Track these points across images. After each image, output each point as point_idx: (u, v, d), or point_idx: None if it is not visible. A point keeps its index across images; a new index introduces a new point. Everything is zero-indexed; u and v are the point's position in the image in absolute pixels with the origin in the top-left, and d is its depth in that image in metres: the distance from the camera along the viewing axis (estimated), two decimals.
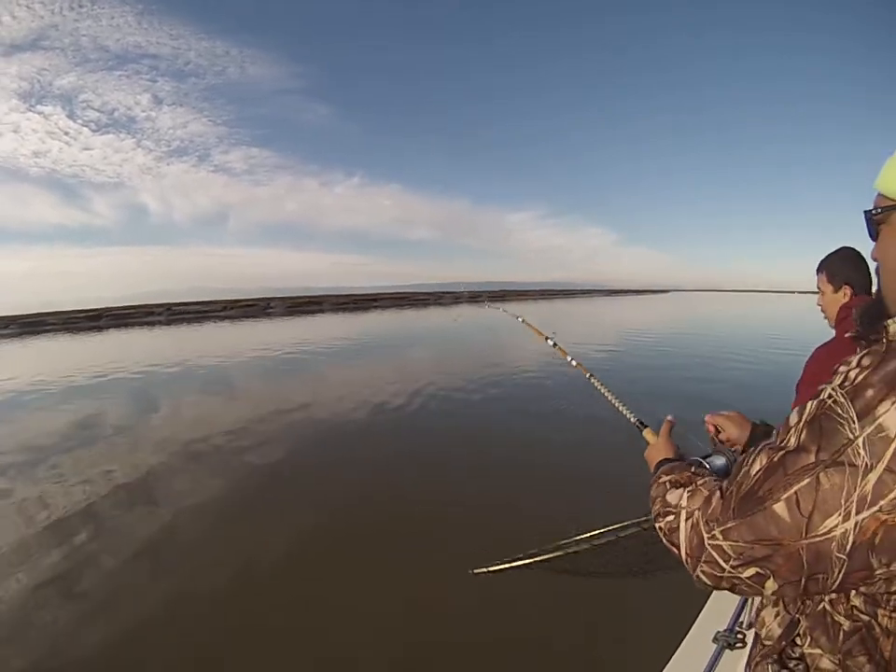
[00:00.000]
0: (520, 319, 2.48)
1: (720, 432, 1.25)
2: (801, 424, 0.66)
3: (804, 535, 0.61)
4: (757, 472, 0.68)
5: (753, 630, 1.00)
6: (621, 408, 1.41)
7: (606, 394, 1.48)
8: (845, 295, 1.83)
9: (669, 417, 1.19)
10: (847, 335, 0.88)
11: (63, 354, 23.75)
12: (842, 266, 1.85)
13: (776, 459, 0.66)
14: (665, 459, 1.03)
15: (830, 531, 0.60)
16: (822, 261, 1.90)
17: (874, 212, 0.73)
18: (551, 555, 2.37)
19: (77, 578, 4.10)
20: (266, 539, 4.53)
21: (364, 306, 63.23)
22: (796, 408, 0.69)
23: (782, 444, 0.67)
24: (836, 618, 0.74)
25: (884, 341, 0.66)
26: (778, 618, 0.86)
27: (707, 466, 1.02)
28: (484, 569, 2.39)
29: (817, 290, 1.95)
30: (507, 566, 2.40)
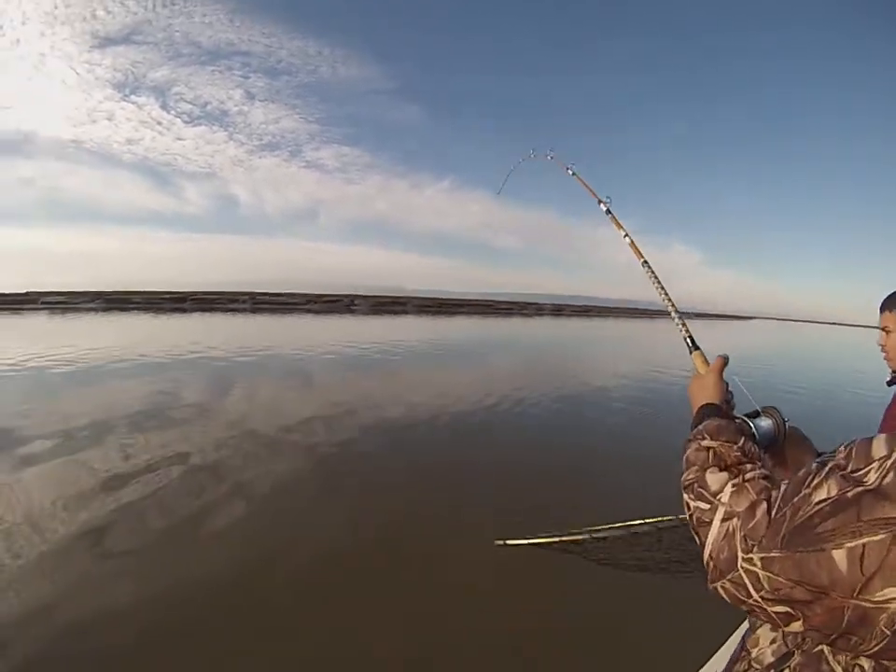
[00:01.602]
0: (570, 172, 2.13)
1: None
2: (890, 462, 0.54)
3: (856, 595, 0.53)
4: (822, 502, 0.57)
5: (742, 640, 0.92)
6: (675, 315, 1.35)
7: (660, 291, 1.44)
8: None
9: (723, 354, 1.07)
10: None
11: (150, 331, 23.60)
12: None
13: (850, 495, 0.55)
14: (711, 405, 0.95)
15: (887, 601, 0.52)
16: (891, 299, 1.79)
17: None
18: (579, 537, 2.43)
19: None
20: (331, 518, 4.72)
21: (448, 311, 61.52)
22: (883, 437, 0.57)
23: (860, 477, 0.56)
24: (832, 667, 0.69)
25: None
26: (774, 645, 0.80)
27: (752, 426, 0.94)
28: (503, 541, 2.41)
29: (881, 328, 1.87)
30: (531, 541, 2.46)
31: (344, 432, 7.46)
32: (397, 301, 65.88)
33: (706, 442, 0.80)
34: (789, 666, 0.75)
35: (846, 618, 0.54)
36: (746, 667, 0.84)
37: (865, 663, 0.62)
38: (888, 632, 0.52)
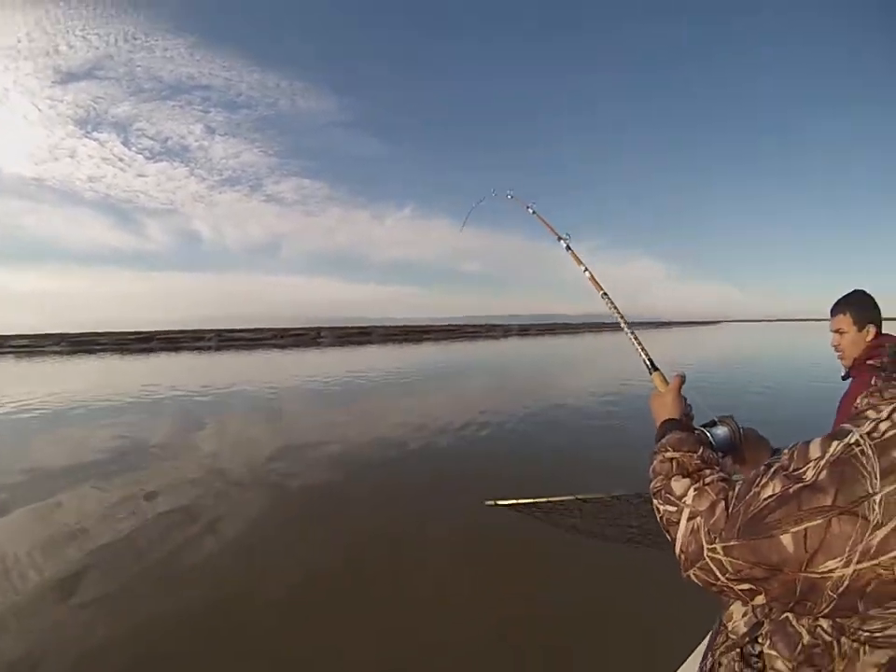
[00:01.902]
0: (531, 210, 2.15)
1: None
2: (823, 461, 0.67)
3: (803, 568, 0.65)
4: (769, 497, 0.69)
5: (718, 617, 1.04)
6: (634, 342, 1.40)
7: (623, 322, 1.48)
8: (869, 333, 2.01)
9: (681, 372, 1.17)
10: (869, 362, 1.03)
11: (114, 375, 23.68)
12: (866, 307, 2.03)
13: (791, 490, 0.67)
14: (672, 420, 1.04)
15: (829, 571, 0.64)
16: (842, 303, 2.03)
17: None
18: (565, 498, 2.44)
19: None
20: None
21: (414, 338, 62.51)
22: (818, 441, 0.70)
23: (799, 475, 0.68)
24: (798, 630, 0.81)
25: None
26: (745, 617, 0.92)
27: (709, 435, 1.03)
28: (494, 502, 2.53)
29: (834, 331, 2.10)
30: (515, 502, 2.50)
31: (321, 464, 7.62)
32: (362, 331, 66.97)
33: (669, 454, 0.91)
34: (761, 634, 0.88)
35: (798, 588, 0.67)
36: (724, 639, 0.96)
37: (823, 622, 0.77)
38: (834, 595, 0.65)
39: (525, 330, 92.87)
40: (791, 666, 0.82)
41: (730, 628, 0.96)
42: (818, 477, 0.66)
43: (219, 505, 5.91)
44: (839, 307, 2.05)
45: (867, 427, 0.67)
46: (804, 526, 0.65)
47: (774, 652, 0.85)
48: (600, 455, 7.71)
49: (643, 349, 1.37)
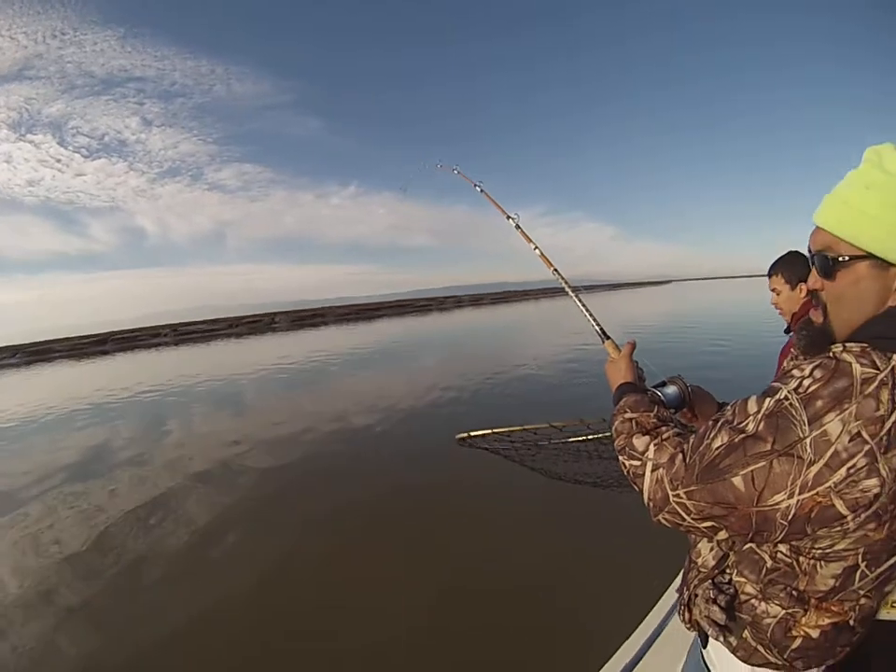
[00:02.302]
0: (478, 189, 2.16)
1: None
2: (760, 415, 0.82)
3: (755, 503, 0.80)
4: (719, 447, 0.84)
5: (687, 556, 1.17)
6: (584, 311, 1.51)
7: (571, 293, 1.58)
8: (801, 290, 2.07)
9: (632, 339, 1.29)
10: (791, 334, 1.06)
11: (68, 382, 23.75)
12: (797, 267, 2.08)
13: (736, 440, 0.83)
14: (627, 384, 1.17)
15: (777, 504, 0.79)
16: (775, 265, 2.12)
17: (840, 258, 0.84)
18: (536, 426, 2.41)
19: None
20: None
21: (368, 316, 63.44)
22: (754, 398, 0.86)
23: (742, 427, 0.84)
24: (761, 556, 0.95)
25: (833, 355, 0.82)
26: (713, 551, 1.05)
27: (661, 396, 1.16)
28: (465, 434, 2.44)
29: (771, 290, 2.17)
30: (484, 432, 2.46)
31: (295, 441, 8.10)
32: (316, 313, 67.42)
33: (627, 415, 1.04)
34: (728, 564, 1.02)
35: (753, 521, 0.81)
36: (696, 573, 1.09)
37: (781, 547, 0.90)
38: (785, 523, 0.79)
39: (477, 300, 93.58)
40: (759, 588, 0.95)
41: (700, 563, 1.08)
42: (757, 428, 0.81)
43: (187, 504, 6.00)
44: (773, 269, 2.09)
45: (793, 384, 0.81)
46: (750, 469, 0.80)
47: (742, 579, 0.98)
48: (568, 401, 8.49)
49: (595, 320, 1.49)
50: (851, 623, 0.91)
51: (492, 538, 4.31)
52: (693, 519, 0.87)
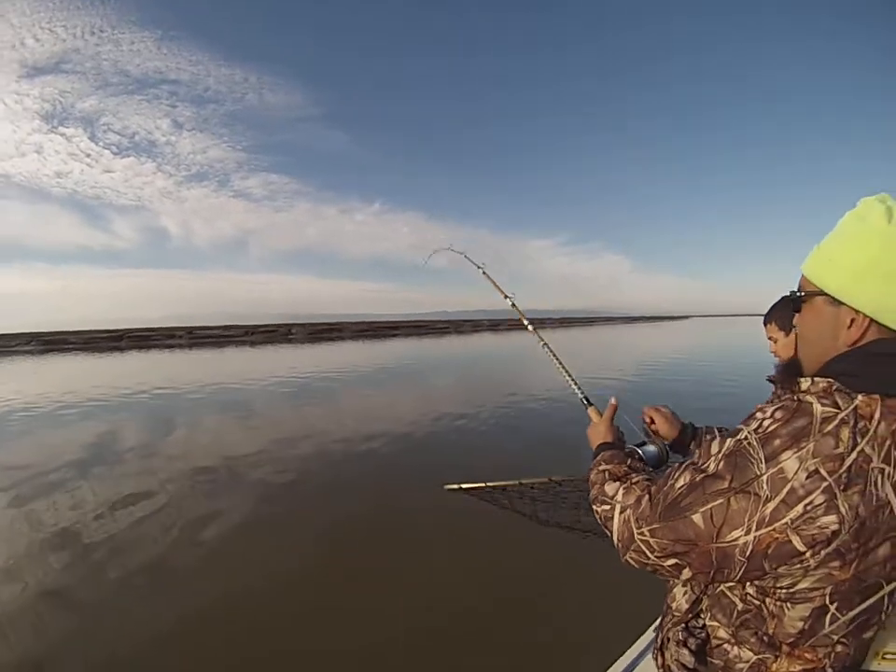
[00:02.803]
0: (481, 271, 2.33)
1: (653, 423, 1.45)
2: (720, 455, 0.85)
3: (714, 540, 0.82)
4: (681, 487, 0.88)
5: (665, 603, 1.17)
6: (570, 381, 1.63)
7: (558, 363, 1.73)
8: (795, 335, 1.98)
9: (613, 401, 1.34)
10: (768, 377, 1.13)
11: (85, 374, 23.58)
12: (787, 313, 2.03)
13: (697, 479, 0.86)
14: (606, 443, 1.23)
15: (735, 540, 0.81)
16: (769, 313, 2.09)
17: (799, 294, 0.94)
18: (533, 481, 2.39)
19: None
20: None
21: (384, 334, 63.22)
22: (718, 439, 0.88)
23: (703, 467, 0.87)
24: (732, 599, 0.95)
25: (796, 398, 0.84)
26: (686, 595, 1.07)
27: (641, 453, 1.25)
28: (456, 486, 2.47)
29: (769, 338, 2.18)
30: (477, 485, 2.47)
31: (285, 462, 7.69)
32: (333, 327, 67.39)
33: (601, 467, 1.11)
34: (702, 608, 1.03)
35: (714, 557, 0.83)
36: (671, 618, 1.11)
37: (750, 589, 0.91)
38: (743, 559, 0.81)
39: (496, 325, 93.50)
40: (731, 632, 0.95)
41: (674, 607, 1.10)
42: (717, 467, 0.84)
43: (196, 507, 5.92)
44: (767, 317, 2.11)
45: (754, 424, 0.84)
46: (709, 506, 0.82)
47: (715, 623, 0.99)
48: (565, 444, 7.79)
49: (580, 389, 1.61)
50: (828, 668, 0.88)
51: (480, 558, 4.40)
52: (656, 557, 0.90)
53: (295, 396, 14.90)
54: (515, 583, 3.98)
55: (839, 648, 0.86)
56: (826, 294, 0.88)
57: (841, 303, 0.87)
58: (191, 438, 9.72)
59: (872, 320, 0.84)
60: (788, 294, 0.98)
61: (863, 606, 0.83)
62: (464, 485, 2.46)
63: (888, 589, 0.83)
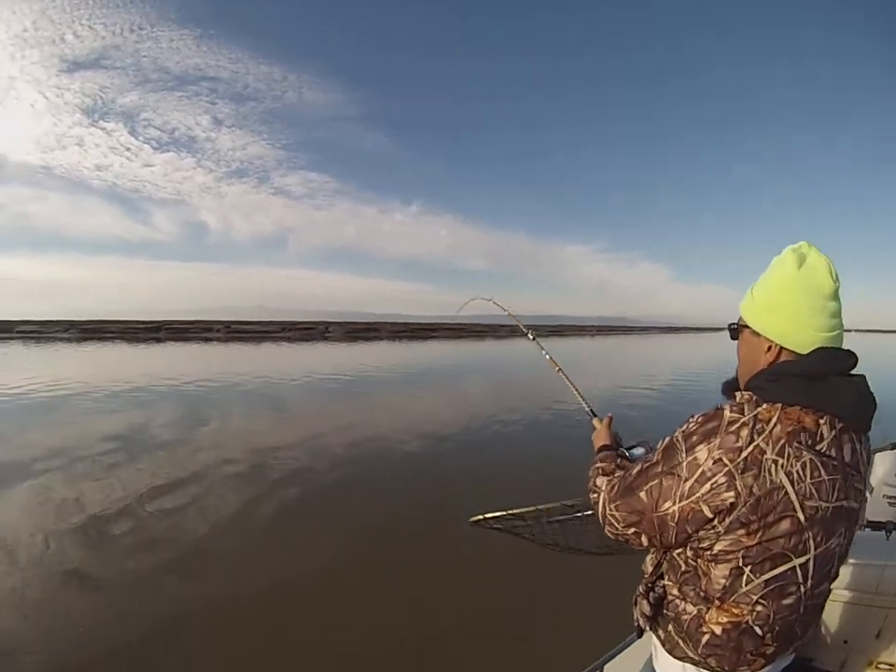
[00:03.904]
0: (506, 312, 2.63)
1: None
2: (660, 449, 1.08)
3: (654, 510, 1.05)
4: (635, 473, 1.12)
5: None
6: (579, 398, 1.88)
7: (570, 385, 1.98)
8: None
9: (609, 414, 1.62)
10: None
11: (135, 363, 23.59)
12: None
13: (645, 467, 1.10)
14: (604, 446, 1.46)
15: (667, 510, 1.03)
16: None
17: (734, 326, 1.18)
18: (549, 505, 2.40)
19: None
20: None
21: (422, 335, 62.55)
22: (667, 439, 1.08)
23: (650, 459, 1.10)
24: (679, 562, 1.12)
25: (718, 406, 1.04)
26: (651, 561, 1.24)
27: (628, 454, 1.43)
28: (480, 517, 2.37)
29: None
30: (502, 513, 2.41)
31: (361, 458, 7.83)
32: (370, 327, 67.30)
33: (597, 465, 1.33)
34: (662, 571, 1.21)
35: (656, 524, 1.05)
36: (641, 580, 1.29)
37: (689, 552, 1.08)
38: (674, 524, 1.02)
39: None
40: (678, 589, 1.13)
41: (644, 571, 1.28)
42: (657, 457, 1.08)
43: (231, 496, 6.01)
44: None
45: (683, 427, 1.05)
46: (650, 485, 1.06)
47: (669, 582, 1.17)
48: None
49: (587, 404, 1.83)
50: (752, 626, 1.03)
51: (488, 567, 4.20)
52: (622, 527, 1.13)
53: (338, 393, 14.89)
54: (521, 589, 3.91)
55: (759, 608, 1.02)
56: (749, 327, 1.12)
57: (759, 335, 1.09)
58: (225, 430, 9.80)
59: (782, 347, 1.05)
60: (728, 325, 1.21)
61: (774, 572, 1.00)
62: (487, 516, 2.46)
63: (797, 562, 1.00)
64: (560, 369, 2.05)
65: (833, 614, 2.33)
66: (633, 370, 24.75)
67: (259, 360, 26.80)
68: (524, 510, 2.48)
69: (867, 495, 2.73)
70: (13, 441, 8.47)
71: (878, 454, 3.02)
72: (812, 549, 0.99)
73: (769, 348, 1.07)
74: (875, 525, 2.39)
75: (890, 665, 2.18)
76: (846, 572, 2.26)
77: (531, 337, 2.39)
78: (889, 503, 2.92)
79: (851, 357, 1.05)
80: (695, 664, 1.12)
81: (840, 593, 2.29)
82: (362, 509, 5.73)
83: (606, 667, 1.92)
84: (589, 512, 2.39)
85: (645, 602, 1.21)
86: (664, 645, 1.19)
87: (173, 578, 4.15)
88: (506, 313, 2.63)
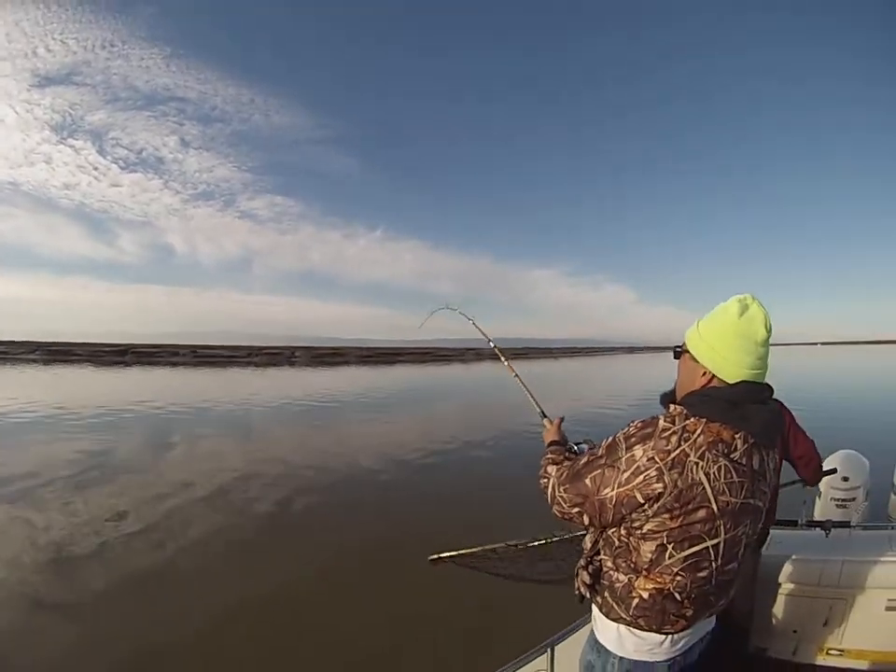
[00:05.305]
0: (472, 322, 2.85)
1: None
2: (604, 446, 1.30)
3: (596, 494, 1.26)
4: (582, 463, 1.33)
5: None
6: (532, 400, 2.10)
7: (524, 388, 2.18)
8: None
9: (560, 416, 1.86)
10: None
11: (104, 386, 23.59)
12: None
13: (591, 459, 1.31)
14: (553, 441, 1.69)
15: (606, 494, 1.24)
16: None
17: (678, 349, 1.38)
18: (495, 546, 2.88)
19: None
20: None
21: (388, 360, 63.26)
22: (611, 438, 1.29)
23: (595, 452, 1.31)
24: (613, 539, 1.33)
25: (655, 416, 1.26)
26: (590, 539, 1.44)
27: (575, 448, 1.67)
28: (436, 556, 2.84)
29: None
30: (458, 553, 2.86)
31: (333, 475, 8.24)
32: (336, 352, 67.44)
33: (548, 456, 1.58)
34: (599, 547, 1.41)
35: (597, 506, 1.27)
36: (581, 556, 1.50)
37: (622, 529, 1.29)
38: (611, 507, 1.24)
39: (497, 355, 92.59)
40: (612, 561, 1.34)
41: (584, 548, 1.49)
42: (601, 452, 1.29)
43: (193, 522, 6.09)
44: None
45: (625, 429, 1.27)
46: (593, 473, 1.27)
47: (606, 556, 1.38)
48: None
49: (538, 403, 2.10)
50: (673, 592, 1.25)
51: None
52: (568, 507, 1.35)
53: (306, 418, 15.18)
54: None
55: (679, 578, 1.24)
56: (690, 353, 1.32)
57: (698, 361, 1.29)
58: (192, 455, 10.11)
59: (714, 375, 1.26)
60: (674, 347, 1.40)
61: (691, 550, 1.22)
62: (442, 555, 2.88)
63: (709, 543, 1.22)
64: (517, 375, 2.27)
65: (781, 606, 2.57)
66: (589, 390, 26.06)
67: (227, 385, 27.13)
68: (473, 549, 2.85)
69: (817, 498, 3.19)
70: None
71: (827, 458, 3.13)
72: (722, 534, 1.22)
73: (704, 373, 1.28)
74: (816, 524, 2.65)
75: (840, 649, 2.39)
76: (790, 567, 2.54)
77: (492, 345, 2.69)
78: (837, 505, 3.15)
79: (767, 390, 1.29)
80: (628, 624, 1.32)
81: (787, 586, 2.55)
82: (324, 535, 5.85)
83: (556, 648, 2.09)
84: (534, 543, 2.81)
85: (585, 573, 1.41)
86: (601, 609, 1.39)
87: (134, 601, 4.30)
88: (471, 322, 2.86)
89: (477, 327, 2.84)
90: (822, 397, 18.72)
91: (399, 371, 44.62)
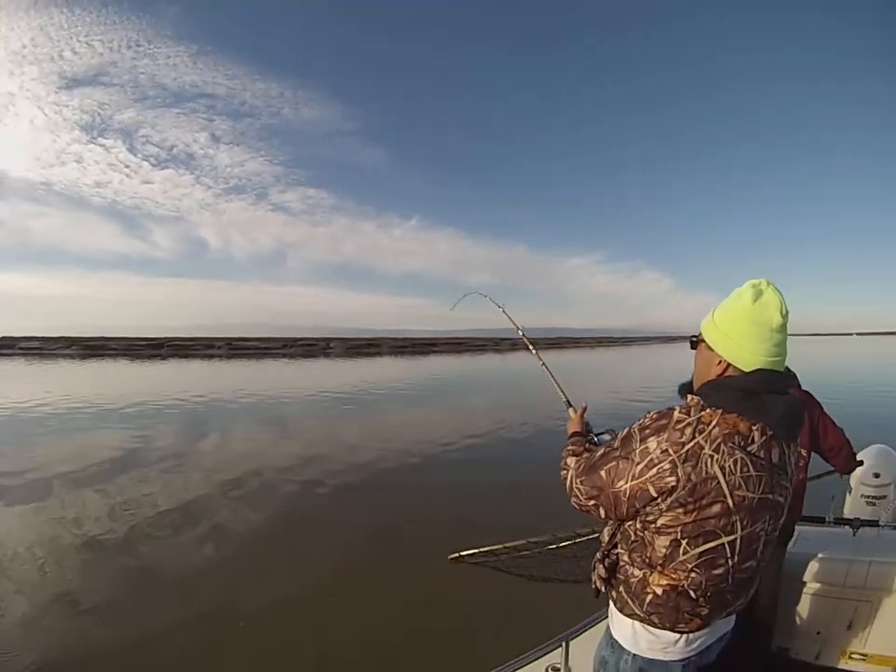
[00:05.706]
0: (501, 309, 2.73)
1: None
2: (619, 438, 1.24)
3: (611, 487, 1.21)
4: (598, 455, 1.29)
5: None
6: (558, 389, 2.06)
7: (551, 377, 2.16)
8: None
9: (583, 404, 1.82)
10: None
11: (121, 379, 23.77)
12: None
13: (606, 451, 1.27)
14: (576, 432, 1.65)
15: (621, 487, 1.19)
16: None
17: (694, 339, 1.35)
18: (516, 543, 2.82)
19: None
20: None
21: (423, 350, 62.79)
22: (625, 430, 1.25)
23: (611, 444, 1.27)
24: (629, 533, 1.27)
25: (671, 407, 1.20)
26: (608, 532, 1.39)
27: (596, 439, 1.64)
28: (457, 554, 2.79)
29: None
30: (479, 550, 2.80)
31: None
32: (371, 342, 67.20)
33: (569, 447, 1.52)
34: (616, 542, 1.35)
35: (612, 498, 1.22)
36: (599, 549, 1.44)
37: (638, 524, 1.23)
38: (625, 500, 1.19)
39: (532, 344, 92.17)
40: (628, 556, 1.29)
41: (601, 541, 1.44)
42: (616, 444, 1.24)
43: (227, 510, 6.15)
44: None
45: (640, 421, 1.22)
46: (608, 465, 1.23)
47: (622, 550, 1.31)
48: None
49: (565, 394, 2.03)
50: (687, 589, 1.19)
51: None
52: (585, 499, 1.31)
53: (342, 411, 15.10)
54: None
55: (693, 574, 1.18)
56: (706, 342, 1.29)
57: (713, 350, 1.26)
58: (230, 447, 10.32)
59: (730, 363, 1.22)
60: (690, 337, 1.40)
61: (706, 546, 1.16)
62: (463, 553, 2.82)
63: (725, 539, 1.16)
64: (544, 363, 2.23)
65: (806, 606, 2.48)
66: (623, 379, 25.35)
67: (263, 377, 26.98)
68: (494, 547, 2.87)
69: (847, 494, 3.09)
70: (40, 455, 8.73)
71: (859, 454, 3.06)
72: (739, 530, 1.16)
73: (719, 362, 1.23)
74: (844, 522, 2.53)
75: (863, 654, 2.33)
76: (816, 566, 2.44)
77: (521, 333, 2.63)
78: (867, 502, 3.01)
79: (786, 379, 1.24)
80: (641, 620, 1.27)
81: (812, 585, 2.46)
82: (363, 519, 5.90)
83: (571, 643, 2.05)
84: (553, 546, 2.82)
85: (601, 566, 1.37)
86: (616, 604, 1.34)
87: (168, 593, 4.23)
88: (500, 309, 2.77)
89: (507, 314, 2.74)
90: (855, 389, 17.84)
91: (434, 361, 44.10)
